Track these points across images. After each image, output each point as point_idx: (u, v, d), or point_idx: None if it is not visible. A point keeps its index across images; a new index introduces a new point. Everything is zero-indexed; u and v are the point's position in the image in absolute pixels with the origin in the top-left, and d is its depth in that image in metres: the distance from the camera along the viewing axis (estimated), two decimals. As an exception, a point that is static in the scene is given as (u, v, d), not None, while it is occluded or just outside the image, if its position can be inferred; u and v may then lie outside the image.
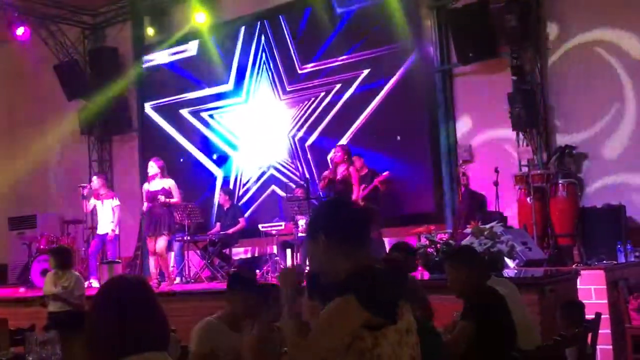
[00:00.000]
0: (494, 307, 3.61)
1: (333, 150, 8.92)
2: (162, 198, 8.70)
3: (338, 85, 10.38)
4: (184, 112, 12.03)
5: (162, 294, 8.13)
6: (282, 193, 10.46)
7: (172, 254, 10.30)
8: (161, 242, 8.73)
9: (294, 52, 10.83)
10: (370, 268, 2.37)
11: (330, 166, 8.87)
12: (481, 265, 4.14)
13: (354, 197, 8.47)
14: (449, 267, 4.05)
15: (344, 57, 10.28)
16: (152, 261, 8.89)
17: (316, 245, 2.43)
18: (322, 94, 10.54)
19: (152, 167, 8.84)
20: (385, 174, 8.80)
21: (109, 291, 2.10)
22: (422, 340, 2.38)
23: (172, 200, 8.85)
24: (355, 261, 2.36)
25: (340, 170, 8.60)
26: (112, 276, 2.60)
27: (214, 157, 11.49)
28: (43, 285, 7.25)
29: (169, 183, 8.83)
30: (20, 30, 11.75)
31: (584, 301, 5.68)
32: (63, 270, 6.97)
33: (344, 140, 9.96)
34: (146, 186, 9.04)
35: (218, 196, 11.07)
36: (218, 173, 11.60)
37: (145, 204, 8.91)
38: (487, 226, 7.07)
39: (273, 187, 10.97)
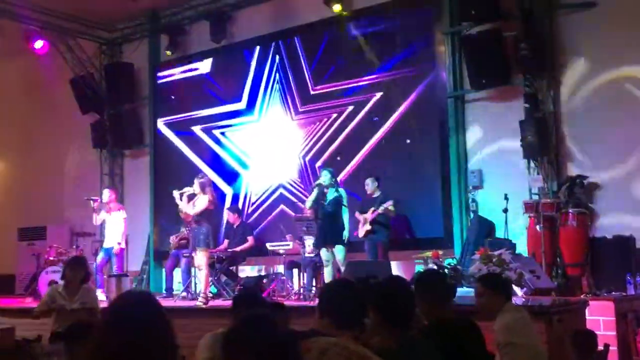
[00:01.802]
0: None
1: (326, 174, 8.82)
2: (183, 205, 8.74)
3: (350, 108, 10.43)
4: (197, 129, 12.10)
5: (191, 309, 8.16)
6: (292, 213, 10.50)
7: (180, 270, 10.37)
8: (198, 257, 8.65)
9: (307, 73, 10.90)
10: None
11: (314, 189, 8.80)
12: (441, 293, 3.90)
13: (345, 217, 8.50)
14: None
15: (358, 79, 10.34)
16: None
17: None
18: (334, 115, 10.59)
19: (194, 185, 8.85)
20: (389, 202, 8.75)
21: (119, 307, 2.11)
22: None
23: (182, 204, 8.82)
24: None
25: (331, 193, 8.61)
26: (122, 292, 2.62)
27: None
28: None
29: (199, 199, 8.77)
30: (38, 44, 11.92)
31: (592, 332, 5.64)
32: (81, 284, 6.40)
33: (356, 164, 10.07)
34: None
35: (226, 214, 11.06)
36: (228, 191, 11.63)
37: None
38: (496, 253, 7.08)
39: (282, 206, 10.99)
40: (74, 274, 6.36)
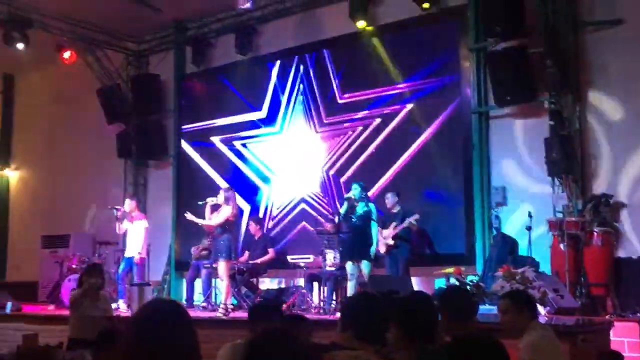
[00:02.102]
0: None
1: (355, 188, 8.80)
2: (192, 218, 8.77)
3: (376, 121, 10.39)
4: (218, 141, 12.17)
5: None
6: (310, 228, 10.50)
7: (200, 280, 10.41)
8: (220, 268, 8.73)
9: (331, 86, 10.88)
10: None
11: (342, 202, 8.79)
12: (465, 309, 3.87)
13: (373, 232, 8.46)
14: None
15: (382, 95, 10.34)
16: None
17: None
18: (360, 128, 10.57)
19: (219, 195, 8.98)
20: (415, 216, 8.79)
21: (145, 315, 2.12)
22: None
23: (201, 220, 8.95)
24: None
25: (361, 207, 8.58)
26: (150, 300, 2.64)
27: None
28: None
29: (222, 210, 8.87)
30: (67, 54, 12.08)
31: (616, 353, 5.55)
32: (97, 290, 6.48)
33: (384, 178, 10.06)
34: None
35: (246, 225, 11.09)
36: (246, 207, 11.62)
37: None
38: (519, 271, 7.02)
39: (304, 222, 10.97)
40: (99, 280, 6.48)
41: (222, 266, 8.65)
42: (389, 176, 10.15)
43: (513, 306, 4.19)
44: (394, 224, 8.91)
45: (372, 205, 8.61)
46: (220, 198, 8.87)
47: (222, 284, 8.81)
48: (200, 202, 9.12)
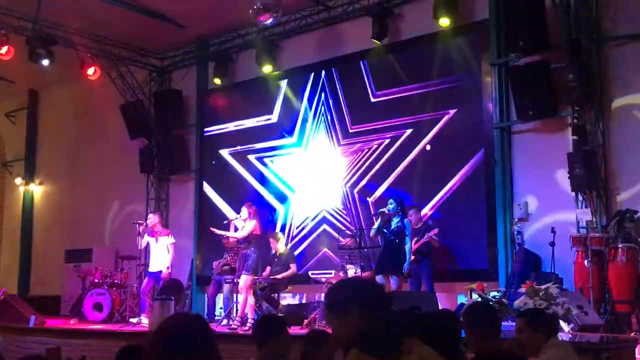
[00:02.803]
0: None
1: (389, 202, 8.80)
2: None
3: (401, 136, 10.36)
4: (243, 156, 12.23)
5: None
6: (335, 257, 10.48)
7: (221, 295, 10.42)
8: (241, 281, 8.85)
9: (365, 96, 10.81)
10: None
11: (376, 217, 8.80)
12: (490, 326, 3.84)
13: (406, 247, 8.43)
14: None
15: (403, 108, 10.35)
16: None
17: None
18: (387, 141, 10.50)
19: (243, 212, 9.14)
20: (434, 230, 8.76)
21: (170, 329, 2.13)
22: None
23: (227, 233, 9.14)
24: None
25: (395, 222, 8.56)
26: (173, 314, 2.65)
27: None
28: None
29: (246, 225, 9.04)
30: (91, 70, 12.24)
31: (642, 372, 5.46)
32: None
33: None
34: None
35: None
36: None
37: None
38: (543, 287, 6.94)
39: (325, 249, 10.92)
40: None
41: (243, 279, 8.76)
42: (408, 189, 10.11)
43: (528, 325, 4.16)
44: (415, 239, 8.87)
45: (407, 221, 8.56)
46: (243, 214, 9.02)
47: (240, 298, 8.88)
48: (225, 222, 9.22)
